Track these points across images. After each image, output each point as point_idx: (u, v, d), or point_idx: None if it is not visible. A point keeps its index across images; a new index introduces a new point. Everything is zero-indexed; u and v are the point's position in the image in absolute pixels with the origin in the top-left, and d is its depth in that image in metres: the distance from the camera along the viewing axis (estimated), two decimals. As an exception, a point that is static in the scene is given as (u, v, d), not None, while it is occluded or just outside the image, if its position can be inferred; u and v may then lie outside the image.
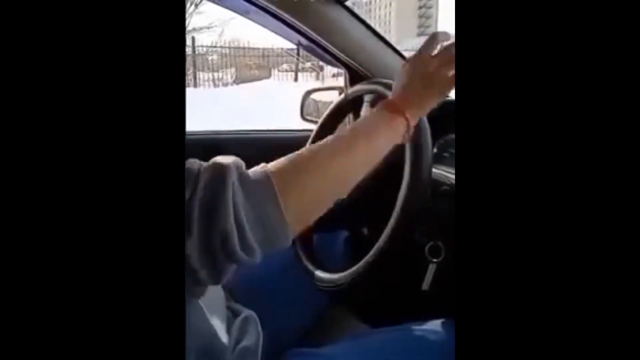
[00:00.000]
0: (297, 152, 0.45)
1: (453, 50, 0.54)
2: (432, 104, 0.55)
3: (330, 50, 1.02)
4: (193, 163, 0.39)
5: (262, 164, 0.43)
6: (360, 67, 1.05)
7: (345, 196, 0.50)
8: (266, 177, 0.40)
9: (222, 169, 0.38)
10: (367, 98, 0.77)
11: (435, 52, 0.55)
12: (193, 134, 1.20)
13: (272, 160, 0.44)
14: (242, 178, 0.39)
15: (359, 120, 0.52)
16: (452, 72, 0.53)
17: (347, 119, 0.89)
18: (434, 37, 0.56)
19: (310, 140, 0.86)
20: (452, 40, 0.56)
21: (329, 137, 0.48)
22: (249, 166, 0.43)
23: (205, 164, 0.40)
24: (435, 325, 0.67)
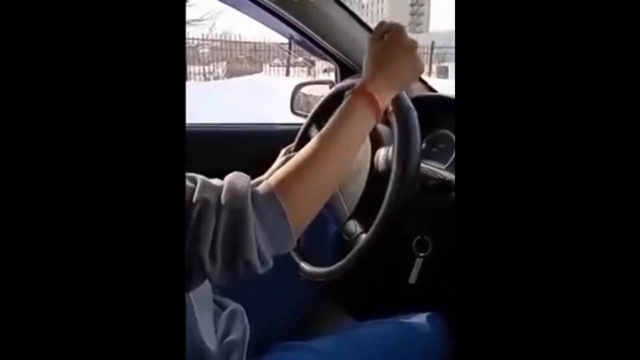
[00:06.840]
0: (291, 162, 0.49)
1: (399, 32, 0.56)
2: (402, 83, 0.57)
3: (322, 44, 1.02)
4: (210, 191, 0.42)
5: (265, 178, 0.50)
6: (351, 62, 1.06)
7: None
8: (274, 196, 0.45)
9: (242, 202, 0.43)
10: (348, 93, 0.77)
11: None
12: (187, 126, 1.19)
13: (261, 153, 0.58)
14: (256, 203, 0.44)
15: (335, 113, 0.53)
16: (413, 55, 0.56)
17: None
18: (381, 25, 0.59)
19: (299, 133, 0.86)
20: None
21: (314, 139, 0.51)
22: (243, 159, 0.49)
23: (221, 190, 0.43)
24: (421, 318, 0.68)
